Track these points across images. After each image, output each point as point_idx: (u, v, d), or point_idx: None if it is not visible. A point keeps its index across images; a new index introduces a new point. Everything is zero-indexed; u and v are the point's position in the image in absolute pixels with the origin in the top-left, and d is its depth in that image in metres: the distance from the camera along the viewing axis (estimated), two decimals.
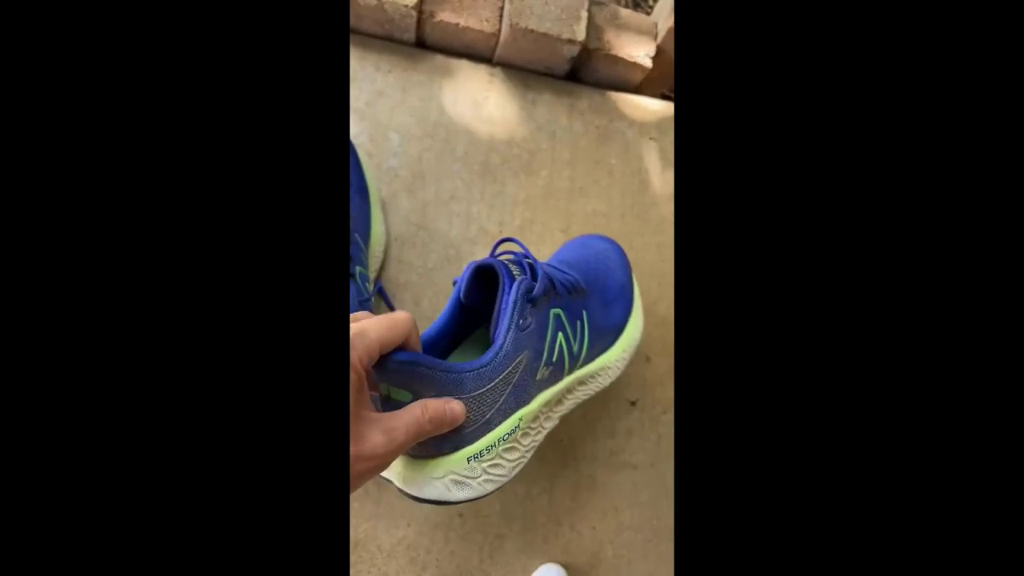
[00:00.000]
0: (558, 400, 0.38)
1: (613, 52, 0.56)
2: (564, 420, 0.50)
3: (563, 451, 0.50)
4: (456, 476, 0.32)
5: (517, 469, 0.35)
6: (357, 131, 0.52)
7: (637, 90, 0.61)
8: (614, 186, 0.57)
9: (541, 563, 0.47)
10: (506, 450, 0.34)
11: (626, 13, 0.58)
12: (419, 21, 0.53)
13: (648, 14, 0.60)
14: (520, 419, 0.34)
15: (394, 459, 0.28)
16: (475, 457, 0.32)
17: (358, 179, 0.47)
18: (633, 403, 0.52)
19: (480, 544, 0.47)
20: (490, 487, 0.34)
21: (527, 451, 0.36)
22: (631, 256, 0.55)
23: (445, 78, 0.55)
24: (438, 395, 0.30)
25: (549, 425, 0.38)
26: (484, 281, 0.35)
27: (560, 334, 0.36)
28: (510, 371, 0.32)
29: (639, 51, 0.56)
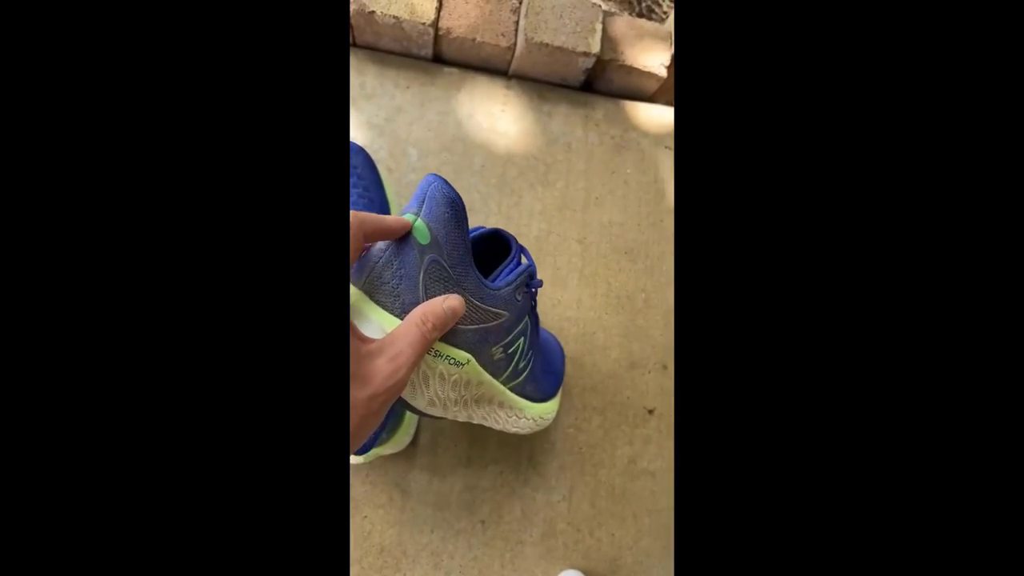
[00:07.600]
0: (476, 400, 0.37)
1: (628, 62, 0.56)
2: (582, 429, 0.51)
3: (582, 459, 0.50)
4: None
5: (417, 402, 0.32)
6: (377, 147, 0.53)
7: (652, 99, 0.61)
8: (630, 196, 0.57)
9: (561, 569, 0.48)
10: (438, 375, 0.32)
11: (640, 22, 0.58)
12: (436, 38, 0.54)
13: (662, 23, 0.61)
14: (467, 361, 0.33)
15: (407, 380, 0.26)
16: (432, 352, 0.31)
17: (379, 194, 0.48)
18: (651, 411, 0.52)
19: (501, 550, 0.48)
20: (409, 400, 0.32)
21: (436, 400, 0.33)
22: (646, 264, 0.56)
23: (462, 92, 0.56)
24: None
25: (457, 411, 0.36)
26: (485, 247, 0.36)
27: (523, 339, 0.37)
28: (493, 312, 0.33)
29: (653, 60, 0.57)
